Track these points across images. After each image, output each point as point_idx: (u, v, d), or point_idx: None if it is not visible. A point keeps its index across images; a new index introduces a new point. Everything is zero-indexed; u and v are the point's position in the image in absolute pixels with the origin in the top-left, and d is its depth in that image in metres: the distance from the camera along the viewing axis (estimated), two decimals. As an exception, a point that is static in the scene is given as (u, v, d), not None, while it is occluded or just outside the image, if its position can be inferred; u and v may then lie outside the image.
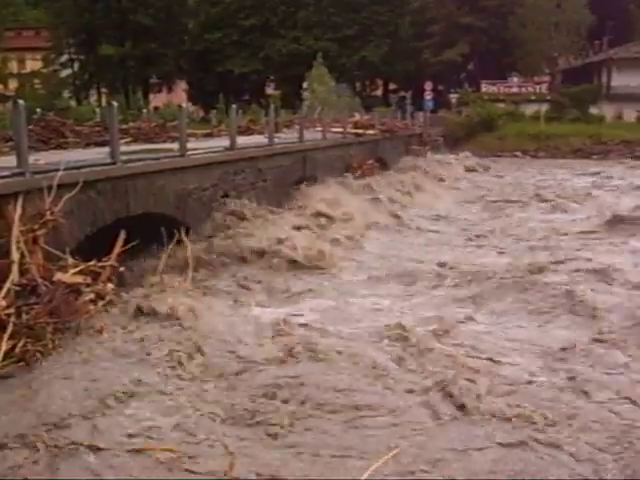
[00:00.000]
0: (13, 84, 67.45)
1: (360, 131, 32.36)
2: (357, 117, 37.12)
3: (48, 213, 10.78)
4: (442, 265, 15.27)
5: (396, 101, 58.82)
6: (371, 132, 33.35)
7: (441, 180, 33.29)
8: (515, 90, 61.35)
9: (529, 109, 57.54)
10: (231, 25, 73.87)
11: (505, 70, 63.77)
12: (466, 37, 64.02)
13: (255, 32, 74.24)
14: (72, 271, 10.65)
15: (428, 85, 59.07)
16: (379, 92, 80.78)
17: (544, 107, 56.47)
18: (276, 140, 22.23)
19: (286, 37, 73.91)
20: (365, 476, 6.46)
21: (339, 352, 9.64)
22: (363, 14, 72.60)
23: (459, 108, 58.82)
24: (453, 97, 63.98)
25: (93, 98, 76.47)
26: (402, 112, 46.33)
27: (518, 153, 49.82)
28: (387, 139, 35.50)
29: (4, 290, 9.24)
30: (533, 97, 60.03)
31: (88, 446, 6.81)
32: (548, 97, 59.91)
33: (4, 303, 9.03)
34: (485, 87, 61.70)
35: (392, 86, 78.54)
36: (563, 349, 10.03)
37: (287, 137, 25.66)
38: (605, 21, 63.04)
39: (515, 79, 61.98)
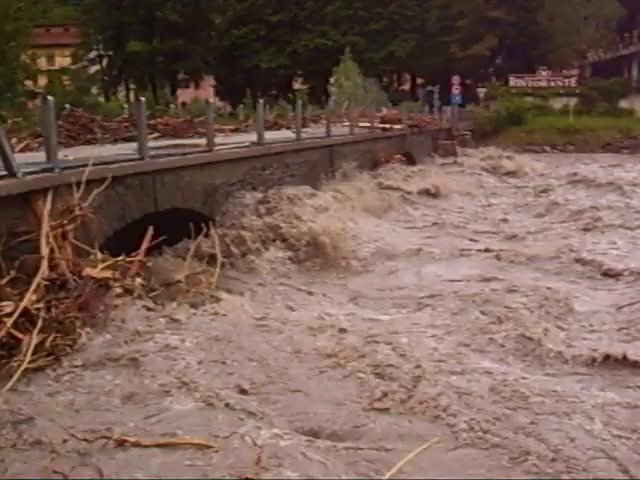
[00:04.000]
0: (42, 80, 67.93)
1: (387, 126, 32.26)
2: (385, 112, 37.00)
3: (77, 208, 10.82)
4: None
5: (424, 95, 58.65)
6: (398, 127, 33.23)
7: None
8: (543, 84, 60.92)
9: (557, 103, 57.09)
10: (258, 20, 74.13)
11: (533, 64, 63.38)
12: (494, 31, 63.67)
13: (282, 27, 74.40)
14: (101, 266, 10.69)
15: (456, 79, 58.71)
16: (407, 87, 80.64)
17: (573, 101, 56.01)
18: (303, 135, 22.22)
19: (313, 32, 74.02)
20: (393, 471, 6.43)
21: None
22: (390, 9, 72.54)
23: (487, 102, 58.55)
24: (481, 91, 63.66)
25: (121, 94, 76.94)
26: (430, 107, 46.16)
27: (547, 147, 49.45)
28: (414, 134, 35.38)
29: (34, 285, 9.30)
30: (561, 91, 59.58)
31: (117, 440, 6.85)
32: (577, 91, 59.43)
33: (34, 297, 9.09)
34: (513, 81, 61.27)
35: (420, 81, 78.34)
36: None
37: (314, 132, 25.65)
38: (635, 14, 62.41)
39: (544, 73, 61.56)
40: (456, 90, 57.77)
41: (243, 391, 8.20)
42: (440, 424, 7.47)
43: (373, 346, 9.51)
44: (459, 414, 7.53)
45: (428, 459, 6.82)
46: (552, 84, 60.83)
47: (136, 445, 6.78)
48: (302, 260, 15.11)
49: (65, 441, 6.76)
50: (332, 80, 56.06)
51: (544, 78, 61.33)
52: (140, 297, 10.98)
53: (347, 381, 8.60)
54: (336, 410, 7.85)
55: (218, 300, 11.77)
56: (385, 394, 8.12)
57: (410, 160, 32.54)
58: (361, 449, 7.00)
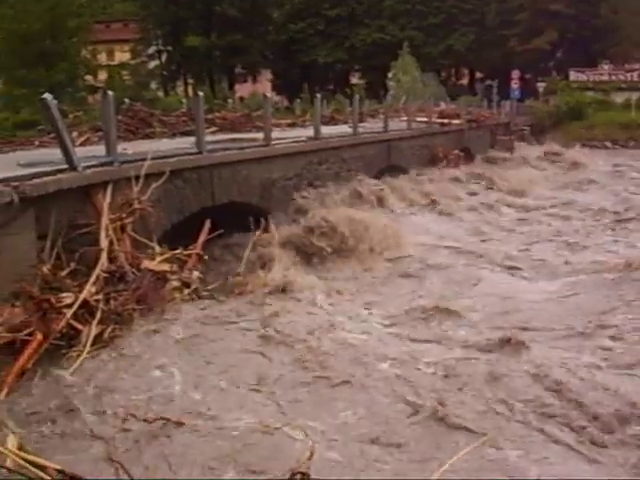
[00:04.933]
0: (102, 75, 68.78)
1: (445, 121, 32.02)
2: (443, 106, 36.73)
3: (136, 202, 10.94)
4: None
5: (482, 90, 58.01)
6: (457, 122, 32.93)
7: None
8: (605, 78, 59.78)
9: (619, 97, 55.96)
10: (316, 15, 74.07)
11: (595, 57, 62.22)
12: (554, 24, 62.60)
13: (340, 22, 74.23)
14: (159, 259, 10.80)
15: (515, 74, 57.78)
16: (465, 81, 79.97)
17: (635, 95, 54.85)
18: (360, 130, 22.18)
19: (371, 26, 73.65)
20: (441, 470, 6.33)
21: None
22: (449, 2, 71.78)
23: (546, 97, 57.70)
24: (540, 86, 62.68)
25: (180, 89, 77.54)
26: (488, 101, 45.62)
27: (607, 143, 48.52)
28: (473, 129, 34.99)
29: (93, 277, 9.42)
30: (623, 85, 58.41)
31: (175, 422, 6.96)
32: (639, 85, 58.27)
33: (93, 289, 9.21)
34: (574, 75, 60.22)
35: (478, 75, 77.59)
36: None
37: (372, 127, 25.59)
38: (702, 6, 61.00)
39: (605, 67, 60.45)
40: (515, 84, 56.87)
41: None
42: None
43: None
44: None
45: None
46: (614, 78, 59.63)
47: (192, 428, 6.89)
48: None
49: (125, 421, 6.88)
50: (390, 75, 55.83)
51: (605, 72, 60.14)
52: (197, 290, 11.07)
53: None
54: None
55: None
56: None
57: (468, 156, 32.21)
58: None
